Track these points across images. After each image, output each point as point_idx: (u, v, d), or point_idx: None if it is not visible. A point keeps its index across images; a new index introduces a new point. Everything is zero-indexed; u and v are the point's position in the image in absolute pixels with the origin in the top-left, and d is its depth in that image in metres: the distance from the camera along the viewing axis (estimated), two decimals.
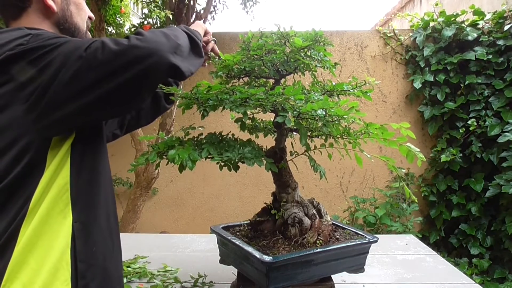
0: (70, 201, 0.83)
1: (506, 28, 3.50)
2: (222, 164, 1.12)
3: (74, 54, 0.76)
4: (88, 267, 0.84)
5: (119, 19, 3.61)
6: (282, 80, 1.36)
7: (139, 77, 0.78)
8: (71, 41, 0.80)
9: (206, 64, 1.26)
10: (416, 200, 1.30)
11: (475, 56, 3.58)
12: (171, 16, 3.14)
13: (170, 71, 0.84)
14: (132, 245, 1.95)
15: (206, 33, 1.17)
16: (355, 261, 1.29)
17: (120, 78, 0.77)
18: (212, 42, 1.22)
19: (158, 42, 0.80)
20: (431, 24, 3.86)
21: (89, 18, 1.04)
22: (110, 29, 3.69)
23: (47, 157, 0.81)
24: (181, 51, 0.87)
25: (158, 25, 3.43)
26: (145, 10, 3.51)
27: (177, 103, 1.28)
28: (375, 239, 1.29)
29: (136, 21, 3.60)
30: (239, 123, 1.23)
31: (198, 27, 1.10)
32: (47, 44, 0.77)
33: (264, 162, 1.14)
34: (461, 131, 3.62)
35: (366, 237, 1.31)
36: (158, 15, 3.03)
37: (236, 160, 1.11)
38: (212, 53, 1.25)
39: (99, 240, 0.89)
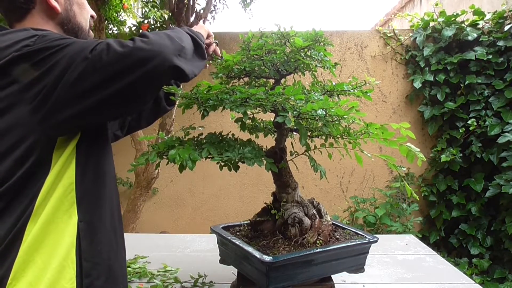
0: (76, 200, 0.84)
1: (506, 28, 3.50)
2: (222, 164, 1.12)
3: (80, 56, 0.77)
4: (93, 266, 0.85)
5: (121, 17, 3.60)
6: (282, 80, 1.36)
7: (143, 79, 0.79)
8: (77, 42, 0.80)
9: (207, 65, 1.27)
10: (418, 198, 1.30)
11: (475, 56, 3.58)
12: (166, 16, 3.14)
13: (174, 73, 0.85)
14: (132, 245, 1.95)
15: (208, 36, 1.18)
16: (355, 261, 1.29)
17: (125, 80, 0.78)
18: (214, 44, 1.23)
19: (163, 45, 0.81)
20: (431, 24, 3.86)
21: (91, 17, 1.05)
22: (110, 26, 3.68)
23: (52, 157, 0.81)
24: (185, 53, 0.88)
25: (157, 25, 3.42)
26: (144, 10, 3.51)
27: (177, 103, 1.28)
28: (375, 239, 1.29)
29: (134, 20, 3.58)
30: (239, 123, 1.23)
31: (201, 29, 1.10)
32: (53, 45, 0.78)
33: (264, 162, 1.14)
34: (461, 131, 3.62)
35: (366, 237, 1.31)
36: (154, 15, 3.03)
37: (236, 160, 1.11)
38: (214, 54, 1.26)
39: (104, 239, 0.90)
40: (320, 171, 1.35)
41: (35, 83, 0.77)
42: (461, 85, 3.68)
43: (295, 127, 1.21)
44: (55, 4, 0.93)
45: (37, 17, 0.92)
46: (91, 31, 1.06)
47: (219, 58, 1.27)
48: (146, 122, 1.34)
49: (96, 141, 0.92)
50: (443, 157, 3.57)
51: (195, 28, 1.09)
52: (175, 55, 0.83)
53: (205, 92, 1.13)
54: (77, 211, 0.84)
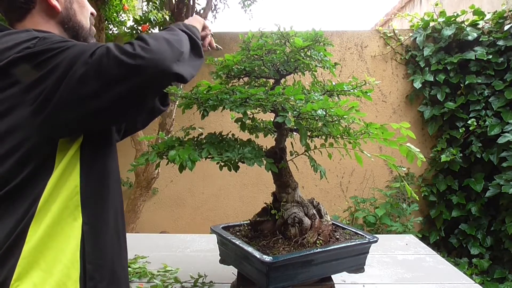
0: (80, 203, 0.84)
1: (506, 28, 3.50)
2: (222, 164, 1.12)
3: (80, 59, 0.76)
4: (96, 269, 0.85)
5: (121, 17, 3.61)
6: (282, 80, 1.36)
7: (143, 86, 0.79)
8: (77, 45, 0.80)
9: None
10: (418, 198, 1.30)
11: (475, 56, 3.58)
12: (168, 18, 3.14)
13: (173, 79, 0.85)
14: (132, 245, 1.93)
15: (204, 28, 1.15)
16: (355, 261, 1.29)
17: (124, 86, 0.77)
18: (209, 36, 1.19)
19: (162, 52, 0.80)
20: (431, 24, 3.86)
21: (92, 14, 1.05)
22: (111, 26, 3.68)
23: (55, 159, 0.81)
24: (184, 57, 0.87)
25: (157, 21, 3.42)
26: (145, 8, 3.51)
27: (177, 103, 1.28)
28: (375, 239, 1.29)
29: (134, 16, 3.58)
30: (239, 123, 1.23)
31: (195, 21, 1.08)
32: (54, 48, 0.78)
33: (264, 162, 1.14)
34: (461, 131, 3.62)
35: (366, 237, 1.31)
36: (155, 16, 3.04)
37: (236, 160, 1.11)
38: (209, 47, 1.23)
39: (108, 242, 0.90)
40: (320, 171, 1.35)
41: (35, 85, 0.77)
42: (461, 85, 3.68)
43: (295, 127, 1.21)
44: (55, 3, 0.93)
45: (37, 17, 0.92)
46: (93, 28, 1.05)
47: (216, 49, 1.24)
48: (142, 124, 1.33)
49: (100, 144, 0.92)
50: (443, 157, 3.57)
51: (190, 20, 1.07)
52: (175, 61, 0.82)
53: (205, 92, 1.13)
54: (81, 213, 0.84)
